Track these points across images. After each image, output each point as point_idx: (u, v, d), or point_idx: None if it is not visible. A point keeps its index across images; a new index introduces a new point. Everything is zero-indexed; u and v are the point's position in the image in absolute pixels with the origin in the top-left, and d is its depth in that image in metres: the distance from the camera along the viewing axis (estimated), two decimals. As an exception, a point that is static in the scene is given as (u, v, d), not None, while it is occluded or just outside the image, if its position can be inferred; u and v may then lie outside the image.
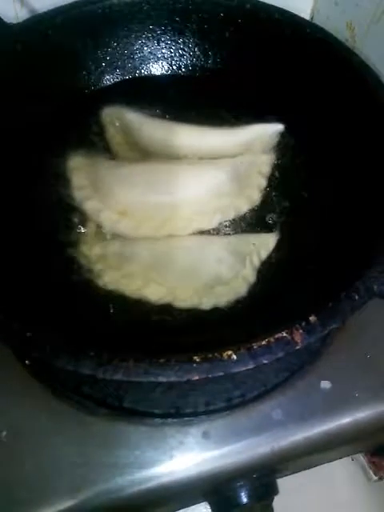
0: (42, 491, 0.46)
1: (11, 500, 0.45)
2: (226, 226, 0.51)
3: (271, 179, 0.54)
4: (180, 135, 0.55)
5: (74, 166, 0.54)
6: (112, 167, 0.53)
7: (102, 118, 0.57)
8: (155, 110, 0.58)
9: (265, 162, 0.54)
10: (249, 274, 0.48)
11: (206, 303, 0.46)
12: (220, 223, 0.50)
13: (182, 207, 0.50)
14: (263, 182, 0.53)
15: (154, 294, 0.47)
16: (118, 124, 0.57)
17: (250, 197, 0.52)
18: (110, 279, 0.47)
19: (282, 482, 0.53)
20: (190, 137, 0.55)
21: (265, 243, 0.50)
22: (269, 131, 0.55)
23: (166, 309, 0.46)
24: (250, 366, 0.33)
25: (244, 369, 0.33)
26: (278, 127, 0.56)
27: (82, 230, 0.50)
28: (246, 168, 0.53)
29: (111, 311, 0.46)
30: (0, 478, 0.45)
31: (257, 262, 0.49)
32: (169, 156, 0.54)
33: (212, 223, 0.49)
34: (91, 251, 0.49)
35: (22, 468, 0.46)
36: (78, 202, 0.51)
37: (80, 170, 0.53)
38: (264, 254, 0.49)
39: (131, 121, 0.56)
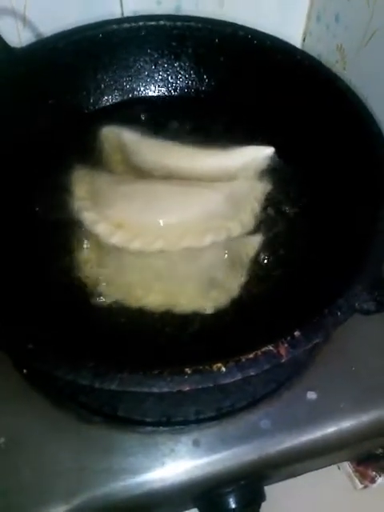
0: (39, 496, 0.47)
1: (8, 505, 0.46)
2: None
3: (264, 203, 0.56)
4: (174, 156, 0.57)
5: (75, 178, 0.56)
6: (112, 182, 0.55)
7: (101, 137, 0.59)
8: (151, 129, 0.60)
9: (260, 189, 0.56)
10: (240, 275, 0.50)
11: (205, 306, 0.48)
12: (211, 242, 0.52)
13: (175, 225, 0.51)
14: (257, 208, 0.55)
15: (155, 301, 0.48)
16: (115, 143, 0.58)
17: (243, 221, 0.53)
18: (110, 290, 0.49)
19: (270, 489, 0.55)
20: (184, 158, 0.57)
21: (251, 244, 0.52)
22: (261, 154, 0.57)
23: (167, 315, 0.48)
24: (238, 378, 0.35)
25: (232, 380, 0.35)
26: (270, 150, 0.57)
27: (82, 242, 0.52)
28: (241, 193, 0.55)
29: (112, 321, 0.48)
30: (-3, 483, 0.47)
31: (246, 263, 0.51)
32: (163, 175, 0.56)
33: (203, 242, 0.51)
34: (90, 262, 0.51)
35: (19, 474, 0.47)
36: (77, 213, 0.53)
37: (81, 183, 0.55)
38: (251, 253, 0.52)
39: (128, 140, 0.58)
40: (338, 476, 0.68)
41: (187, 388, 0.35)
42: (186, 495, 0.52)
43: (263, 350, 0.36)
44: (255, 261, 0.52)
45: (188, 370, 0.35)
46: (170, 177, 0.56)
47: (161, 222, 0.52)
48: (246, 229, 0.53)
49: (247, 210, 0.54)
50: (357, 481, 0.68)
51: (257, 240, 0.53)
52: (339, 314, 0.38)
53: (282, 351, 0.36)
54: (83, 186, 0.55)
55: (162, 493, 0.49)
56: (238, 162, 0.57)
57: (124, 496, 0.48)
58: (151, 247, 0.50)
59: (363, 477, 0.68)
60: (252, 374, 0.36)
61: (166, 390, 0.35)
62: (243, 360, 0.36)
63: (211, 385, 0.35)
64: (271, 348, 0.36)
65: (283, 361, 0.36)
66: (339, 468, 0.69)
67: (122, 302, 0.49)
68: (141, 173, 0.57)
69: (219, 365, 0.36)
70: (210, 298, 0.49)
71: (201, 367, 0.35)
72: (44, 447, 0.49)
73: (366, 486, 0.68)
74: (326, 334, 0.38)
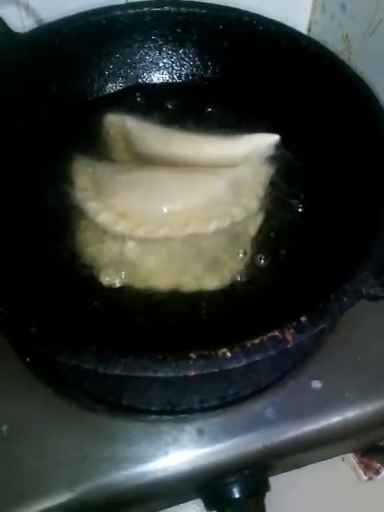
0: (41, 484, 0.47)
1: (11, 493, 0.46)
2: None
3: (268, 189, 0.55)
4: (178, 144, 0.56)
5: (78, 167, 0.55)
6: (115, 171, 0.55)
7: (105, 125, 0.59)
8: (155, 116, 0.59)
9: (263, 174, 0.56)
10: (243, 252, 0.51)
11: (211, 285, 0.48)
12: (216, 229, 0.51)
13: (179, 213, 0.51)
14: (261, 192, 0.55)
15: (161, 282, 0.48)
16: (119, 131, 0.58)
17: (247, 206, 0.53)
18: (114, 272, 0.49)
19: (274, 480, 0.55)
20: (189, 146, 0.56)
21: (252, 222, 0.52)
22: (266, 141, 0.57)
23: (174, 295, 0.48)
24: (243, 363, 0.35)
25: (238, 365, 0.35)
26: (275, 137, 0.57)
27: (85, 230, 0.52)
28: (245, 178, 0.55)
29: (118, 302, 0.47)
30: (0, 471, 0.47)
31: (248, 241, 0.51)
32: (167, 163, 0.55)
33: (208, 229, 0.51)
34: (94, 248, 0.50)
35: (21, 462, 0.47)
36: (79, 203, 0.53)
37: (84, 172, 0.55)
38: (253, 232, 0.52)
39: (132, 128, 0.58)
40: (343, 467, 0.68)
41: (192, 373, 0.34)
42: (189, 485, 0.52)
43: (269, 335, 0.36)
44: (257, 239, 0.52)
45: (193, 355, 0.35)
46: (174, 164, 0.55)
47: (164, 209, 0.51)
48: (250, 213, 0.53)
49: (251, 195, 0.54)
50: (361, 472, 0.68)
51: (259, 218, 0.53)
52: (345, 299, 0.38)
53: (288, 336, 0.36)
54: (85, 176, 0.55)
55: (166, 482, 0.49)
56: (242, 149, 0.56)
57: (127, 485, 0.48)
58: (155, 235, 0.50)
59: (367, 468, 0.68)
60: (258, 359, 0.35)
61: (171, 374, 0.34)
62: (249, 345, 0.35)
63: (216, 370, 0.35)
64: (277, 333, 0.36)
65: (289, 346, 0.36)
66: (343, 459, 0.68)
67: (127, 283, 0.48)
68: (145, 161, 0.56)
69: (224, 350, 0.35)
70: (215, 276, 0.49)
71: (206, 352, 0.35)
72: (47, 435, 0.49)
73: (370, 478, 0.67)
74: (332, 320, 0.38)
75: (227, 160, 0.56)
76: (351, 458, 0.68)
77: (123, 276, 0.49)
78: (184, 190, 0.53)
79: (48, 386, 0.51)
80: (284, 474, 0.59)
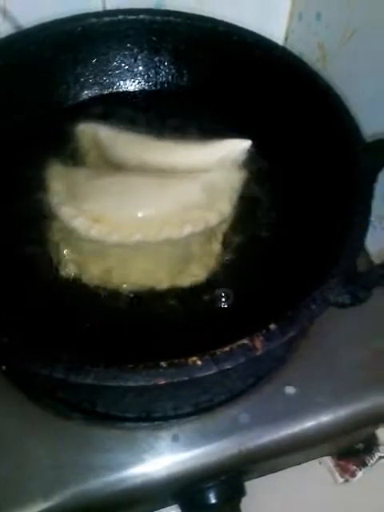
0: (16, 494, 0.47)
1: (-16, 502, 0.46)
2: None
3: (241, 194, 0.56)
4: (151, 151, 0.56)
5: (52, 173, 0.55)
6: (89, 177, 0.55)
7: (77, 133, 0.58)
8: (131, 124, 0.59)
9: (237, 179, 0.56)
10: (216, 248, 0.52)
11: (185, 280, 0.50)
12: (190, 233, 0.52)
13: (153, 217, 0.51)
14: (234, 197, 0.55)
15: (136, 282, 0.49)
16: (91, 140, 0.58)
17: (221, 210, 0.53)
18: (88, 275, 0.50)
19: (250, 484, 0.55)
20: (161, 152, 0.57)
21: (224, 225, 0.54)
22: (238, 147, 0.57)
23: (148, 295, 0.49)
24: (214, 371, 0.35)
25: (208, 373, 0.35)
26: (247, 143, 0.57)
27: (59, 235, 0.52)
28: (218, 183, 0.55)
29: (90, 306, 0.48)
30: (-26, 480, 0.46)
31: (220, 235, 0.53)
32: (141, 170, 0.55)
33: (182, 233, 0.51)
34: (68, 251, 0.51)
35: (-4, 470, 0.47)
36: (53, 208, 0.53)
37: (58, 178, 0.55)
38: (224, 228, 0.53)
39: (104, 136, 0.58)
40: (319, 470, 0.69)
41: (162, 382, 0.35)
42: (166, 491, 0.52)
43: (239, 343, 0.36)
44: (226, 243, 0.53)
45: (163, 364, 0.35)
46: (147, 171, 0.55)
47: (139, 214, 0.51)
48: (224, 217, 0.53)
49: (225, 198, 0.54)
50: (337, 475, 0.69)
51: (230, 221, 0.54)
52: (314, 307, 0.38)
53: (258, 344, 0.36)
54: (60, 181, 0.55)
55: (142, 489, 0.49)
56: (215, 154, 0.57)
57: (104, 493, 0.48)
58: (130, 240, 0.50)
59: (344, 471, 0.69)
60: (228, 367, 0.36)
61: (141, 383, 0.35)
62: (218, 353, 0.36)
63: (186, 378, 0.35)
64: (246, 342, 0.36)
65: (259, 354, 0.36)
66: (320, 462, 0.69)
67: (101, 285, 0.49)
68: (118, 168, 0.56)
69: (195, 358, 0.36)
70: (189, 273, 0.50)
71: (176, 361, 0.35)
72: (21, 443, 0.48)
73: (346, 480, 0.68)
74: (302, 328, 0.39)
75: (200, 165, 0.56)
76: (328, 460, 0.69)
77: (96, 278, 0.49)
78: (158, 195, 0.53)
79: (22, 393, 0.51)
80: (260, 478, 0.60)
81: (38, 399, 0.51)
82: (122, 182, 0.54)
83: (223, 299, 0.49)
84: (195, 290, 0.49)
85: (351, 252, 0.41)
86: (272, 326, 0.37)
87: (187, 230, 0.51)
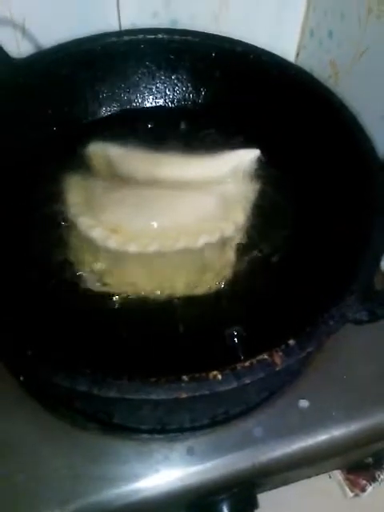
0: (32, 503, 0.47)
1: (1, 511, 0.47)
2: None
3: (256, 206, 0.57)
4: (164, 166, 0.58)
5: (70, 184, 0.57)
6: (105, 189, 0.56)
7: (89, 153, 0.59)
8: (148, 140, 0.61)
9: (250, 189, 0.57)
10: (231, 258, 0.53)
11: (201, 290, 0.50)
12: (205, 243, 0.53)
13: (169, 228, 0.53)
14: (248, 207, 0.56)
15: (154, 290, 0.50)
16: (102, 159, 0.59)
17: (235, 220, 0.54)
18: (107, 284, 0.51)
19: (262, 497, 0.56)
20: (174, 167, 0.58)
21: (238, 236, 0.54)
22: (248, 157, 0.59)
23: (167, 303, 0.50)
24: (234, 386, 0.36)
25: (228, 388, 0.36)
26: (255, 152, 0.59)
27: (78, 245, 0.53)
28: (231, 194, 0.57)
29: (104, 314, 0.49)
30: (-10, 490, 0.47)
31: (234, 246, 0.53)
32: (154, 184, 0.56)
33: (197, 243, 0.52)
34: (87, 261, 0.52)
35: (12, 480, 0.48)
36: (72, 218, 0.54)
37: (76, 189, 0.56)
38: (239, 238, 0.54)
39: (115, 156, 0.59)
40: (329, 484, 0.69)
41: (184, 395, 0.35)
42: (179, 503, 0.53)
43: (258, 358, 0.37)
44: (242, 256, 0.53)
45: (185, 378, 0.36)
46: (160, 184, 0.56)
47: (155, 224, 0.53)
48: (239, 227, 0.54)
49: (239, 209, 0.55)
50: (347, 489, 0.69)
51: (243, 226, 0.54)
52: (332, 323, 0.39)
53: (277, 360, 0.37)
54: (77, 192, 0.56)
55: (156, 500, 0.49)
56: (226, 166, 0.58)
57: (118, 503, 0.48)
58: (147, 249, 0.51)
59: (354, 485, 0.69)
60: (247, 381, 0.36)
61: (163, 397, 0.35)
62: (239, 368, 0.36)
63: (207, 392, 0.36)
64: (266, 357, 0.37)
65: (278, 369, 0.37)
66: (330, 476, 0.69)
67: (120, 293, 0.50)
68: (131, 184, 0.57)
69: (215, 373, 0.36)
70: (205, 283, 0.51)
71: (197, 375, 0.36)
72: (38, 453, 0.49)
73: (356, 495, 0.68)
74: (319, 343, 0.39)
75: (212, 177, 0.57)
76: (338, 474, 0.69)
77: (115, 287, 0.50)
78: (173, 206, 0.54)
79: (40, 403, 0.52)
80: (272, 491, 0.60)
81: (54, 409, 0.51)
82: (137, 194, 0.55)
83: (236, 311, 0.49)
84: (210, 300, 0.50)
85: (370, 268, 0.42)
86: (291, 342, 0.38)
87: (203, 239, 0.52)
